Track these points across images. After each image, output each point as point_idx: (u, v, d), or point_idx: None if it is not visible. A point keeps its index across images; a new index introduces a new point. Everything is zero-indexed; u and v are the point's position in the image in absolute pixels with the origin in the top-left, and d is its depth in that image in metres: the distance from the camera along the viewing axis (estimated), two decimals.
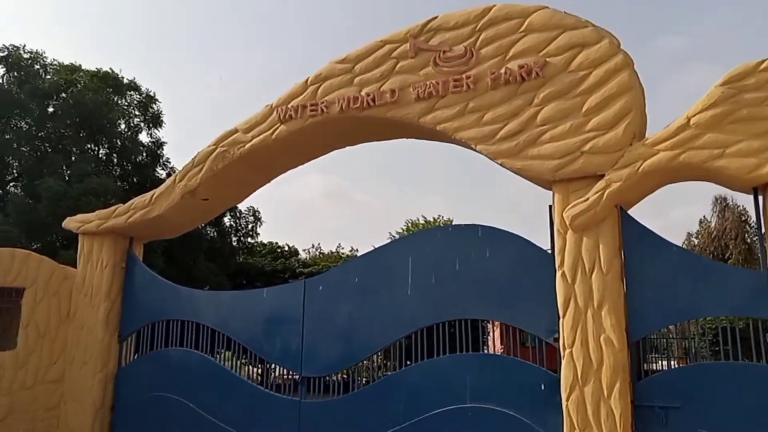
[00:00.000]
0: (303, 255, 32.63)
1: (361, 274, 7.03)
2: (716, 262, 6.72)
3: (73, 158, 19.98)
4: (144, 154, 22.89)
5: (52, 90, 20.08)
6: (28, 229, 16.99)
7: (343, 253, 34.83)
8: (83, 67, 22.43)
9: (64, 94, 20.21)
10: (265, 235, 35.27)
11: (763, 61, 5.18)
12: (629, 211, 5.77)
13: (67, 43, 59.89)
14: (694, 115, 5.30)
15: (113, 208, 8.63)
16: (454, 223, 24.22)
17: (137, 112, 23.16)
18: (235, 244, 25.88)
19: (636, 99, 5.62)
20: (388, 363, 8.09)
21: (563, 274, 5.68)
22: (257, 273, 25.23)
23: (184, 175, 7.92)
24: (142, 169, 22.49)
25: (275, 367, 7.98)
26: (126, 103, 22.93)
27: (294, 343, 7.16)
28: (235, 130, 7.65)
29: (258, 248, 29.03)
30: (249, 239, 27.05)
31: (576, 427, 5.39)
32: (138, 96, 23.04)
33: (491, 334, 17.45)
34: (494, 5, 6.40)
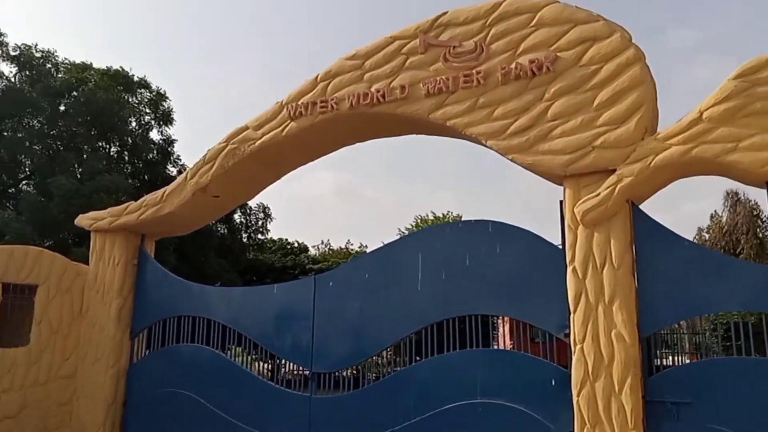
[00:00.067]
0: (312, 251, 32.75)
1: (371, 270, 7.03)
2: (728, 256, 6.68)
3: (84, 156, 20.09)
4: (155, 151, 22.98)
5: (64, 88, 20.20)
6: (41, 227, 17.12)
7: (352, 250, 34.90)
8: (94, 66, 22.56)
9: (75, 93, 20.31)
10: (275, 231, 35.30)
11: None
12: (640, 206, 5.74)
13: (78, 41, 60.25)
14: (707, 108, 5.26)
15: (125, 205, 8.68)
16: (463, 218, 24.23)
17: (148, 110, 23.25)
18: (245, 240, 25.96)
19: (648, 93, 5.58)
20: (398, 359, 8.10)
21: (574, 270, 5.66)
22: (267, 269, 25.34)
23: (195, 172, 7.95)
24: (153, 166, 22.59)
25: (285, 363, 8.01)
26: (137, 101, 23.03)
27: (304, 339, 7.18)
28: (246, 127, 7.67)
29: (268, 245, 29.14)
30: (259, 236, 27.13)
31: (587, 422, 5.38)
32: (148, 94, 23.13)
33: (500, 329, 17.41)
34: (504, 0, 6.38)
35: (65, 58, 21.96)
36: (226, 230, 23.97)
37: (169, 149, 23.44)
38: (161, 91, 23.31)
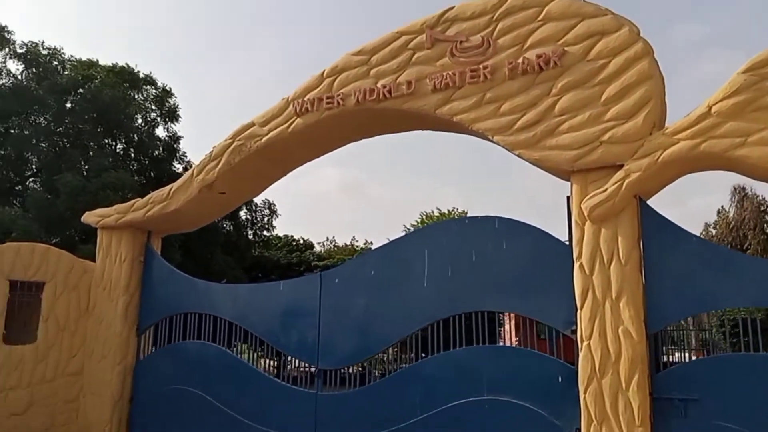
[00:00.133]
0: (318, 248, 32.74)
1: (377, 266, 7.02)
2: (736, 252, 6.63)
3: (90, 153, 20.15)
4: (161, 148, 23.03)
5: (70, 86, 20.26)
6: (47, 224, 17.19)
7: (357, 246, 34.89)
8: (100, 63, 22.60)
9: (81, 90, 20.37)
10: (281, 228, 35.35)
11: None
12: (648, 202, 5.70)
13: (83, 38, 60.39)
14: (716, 103, 5.21)
15: (131, 202, 8.70)
16: (469, 214, 24.18)
17: (154, 107, 23.29)
18: (251, 237, 26.01)
19: (656, 88, 5.54)
20: (404, 356, 8.09)
21: (581, 266, 5.63)
22: (273, 266, 25.38)
23: (202, 169, 7.95)
24: (159, 163, 22.64)
25: (291, 360, 8.01)
26: (142, 98, 23.07)
27: (310, 336, 7.17)
28: (252, 124, 7.66)
29: (274, 241, 29.17)
30: (265, 232, 27.17)
31: (594, 419, 5.36)
32: (154, 90, 23.17)
33: (505, 326, 17.38)
34: None
35: (71, 56, 22.04)
36: (231, 227, 24.03)
37: (174, 146, 23.49)
38: (167, 88, 23.35)
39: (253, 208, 25.86)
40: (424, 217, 32.87)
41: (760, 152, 5.00)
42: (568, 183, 5.96)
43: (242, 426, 7.28)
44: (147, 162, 22.69)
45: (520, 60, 6.13)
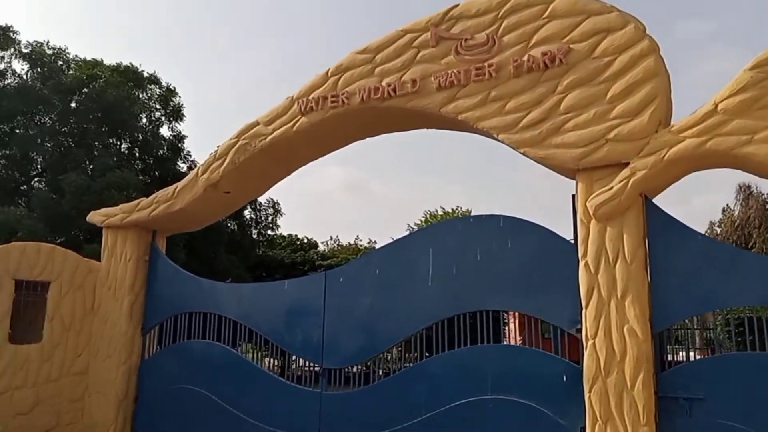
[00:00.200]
0: (322, 247, 32.72)
1: (381, 265, 7.02)
2: (743, 250, 6.60)
3: (95, 153, 20.16)
4: (165, 147, 23.03)
5: (75, 85, 20.27)
6: (52, 224, 17.21)
7: (361, 245, 34.86)
8: (104, 62, 22.62)
9: (86, 89, 20.38)
10: (285, 227, 35.35)
11: None
12: (653, 200, 5.68)
13: (87, 37, 60.51)
14: (722, 100, 5.19)
15: (136, 201, 8.71)
16: (473, 213, 24.15)
17: (158, 106, 23.30)
18: (255, 236, 26.01)
19: (662, 85, 5.51)
20: (408, 355, 8.08)
21: (586, 264, 5.62)
22: (277, 265, 25.35)
23: (207, 168, 7.95)
24: (164, 162, 22.64)
25: (295, 359, 8.01)
26: (146, 97, 23.08)
27: (315, 335, 7.17)
28: (257, 123, 7.66)
29: (278, 240, 29.17)
30: (269, 232, 27.17)
31: (598, 418, 5.34)
32: (158, 90, 23.18)
33: (509, 325, 17.35)
34: None
35: (76, 55, 22.08)
36: (236, 226, 24.02)
37: (179, 145, 23.48)
38: (171, 87, 23.36)
39: (258, 207, 25.87)
40: (428, 216, 32.86)
41: (767, 150, 4.97)
42: (574, 181, 5.94)
43: (247, 425, 7.29)
44: (151, 161, 22.69)
45: (525, 58, 6.11)
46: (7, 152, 19.86)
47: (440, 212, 32.61)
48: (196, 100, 63.78)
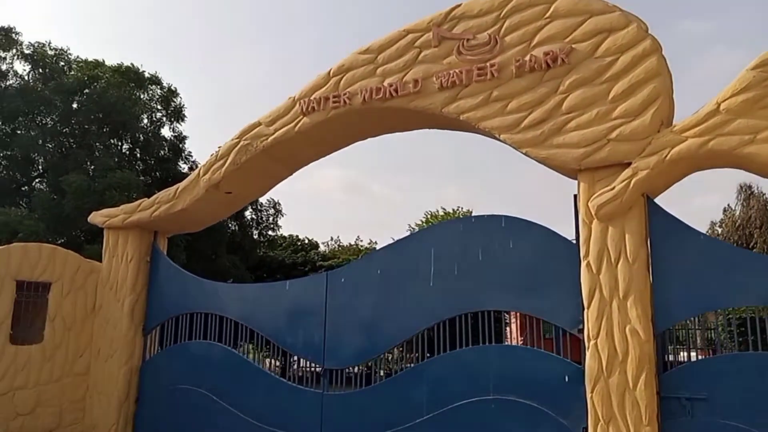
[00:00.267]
0: (322, 248, 32.71)
1: (383, 266, 7.01)
2: (745, 250, 6.59)
3: (96, 153, 20.16)
4: (166, 148, 23.04)
5: (76, 86, 20.28)
6: (54, 224, 17.21)
7: (362, 246, 34.85)
8: (106, 63, 22.63)
9: (87, 90, 20.40)
10: (286, 228, 35.36)
11: None
12: (655, 200, 5.67)
13: (88, 38, 60.53)
14: (725, 100, 5.18)
15: (138, 202, 8.71)
16: (474, 213, 24.13)
17: (159, 107, 23.31)
18: (256, 237, 26.02)
19: (664, 85, 5.51)
20: (409, 355, 8.07)
21: (588, 265, 5.61)
22: (278, 266, 25.36)
23: (208, 168, 7.95)
24: (165, 163, 22.65)
25: (296, 359, 8.00)
26: (148, 98, 23.09)
27: (316, 336, 7.17)
28: (258, 123, 7.66)
29: (279, 241, 29.19)
30: (270, 232, 27.19)
31: (600, 418, 5.33)
32: (159, 90, 23.19)
33: (510, 325, 17.34)
34: None
35: (77, 56, 22.09)
36: (237, 227, 24.02)
37: (180, 146, 23.49)
38: (172, 88, 23.36)
39: (259, 207, 25.88)
40: (428, 216, 32.82)
41: None
42: (575, 181, 5.93)
43: (248, 425, 7.28)
44: (153, 162, 22.70)
45: (527, 58, 6.11)
46: (9, 153, 19.87)
47: (441, 213, 32.56)
48: (198, 99, 63.81)
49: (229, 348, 7.81)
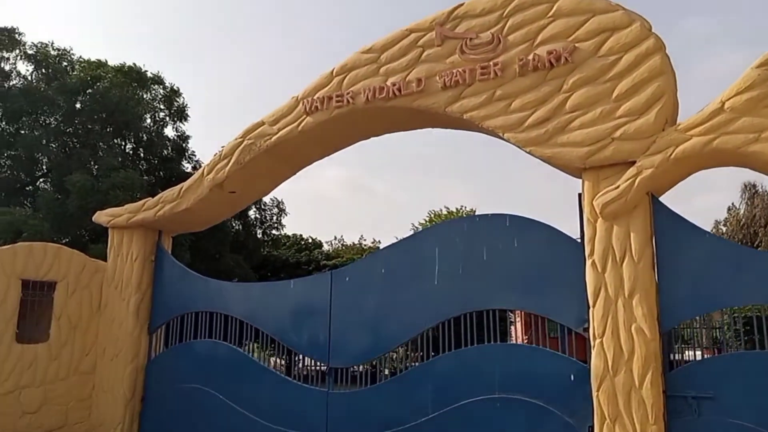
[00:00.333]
0: (326, 247, 32.74)
1: (388, 264, 7.02)
2: (751, 248, 6.57)
3: (100, 153, 20.21)
4: (169, 148, 23.07)
5: (79, 86, 20.32)
6: (58, 224, 17.26)
7: (365, 245, 34.87)
8: (108, 63, 22.67)
9: (90, 90, 20.44)
10: (289, 227, 35.42)
11: None
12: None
13: (89, 38, 60.62)
14: (729, 98, 5.17)
15: (142, 201, 8.73)
16: (477, 213, 24.12)
17: (162, 107, 23.35)
18: (259, 236, 26.05)
19: (668, 83, 5.50)
20: (414, 354, 8.09)
21: (593, 263, 5.61)
22: (282, 265, 25.39)
23: (212, 168, 7.97)
24: (168, 163, 22.68)
25: (300, 358, 8.02)
26: (150, 98, 23.12)
27: (321, 334, 7.18)
28: (262, 123, 7.67)
29: (282, 240, 29.22)
30: (274, 231, 27.22)
31: (606, 417, 5.34)
32: (162, 90, 23.22)
33: (514, 324, 17.33)
34: None
35: (80, 56, 22.13)
36: (240, 226, 24.05)
37: (183, 145, 23.52)
38: (175, 88, 23.39)
39: (262, 207, 25.91)
40: (432, 215, 32.80)
41: None
42: (580, 180, 5.93)
43: (253, 424, 7.30)
44: (156, 162, 22.73)
45: (530, 56, 6.10)
46: (13, 153, 19.91)
47: (444, 212, 32.54)
48: (201, 99, 63.87)
49: (234, 347, 7.83)
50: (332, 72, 7.28)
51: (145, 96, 22.73)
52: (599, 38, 5.81)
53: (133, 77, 22.25)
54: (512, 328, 17.04)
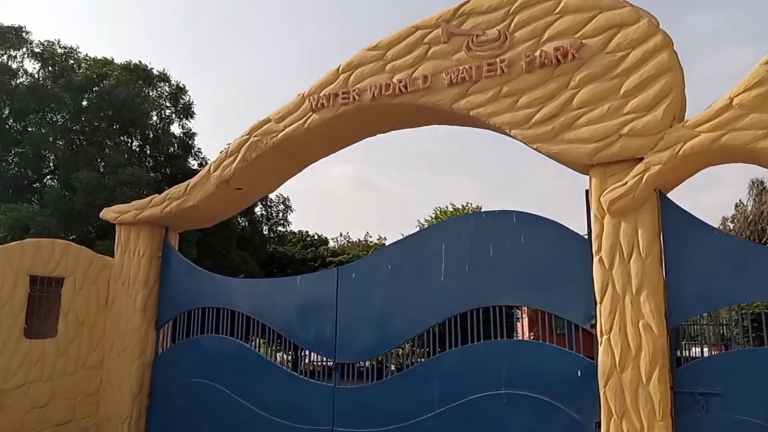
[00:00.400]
0: (332, 244, 32.83)
1: (394, 261, 7.02)
2: (759, 245, 6.55)
3: (106, 150, 20.29)
4: (176, 145, 23.16)
5: (86, 84, 20.41)
6: (65, 221, 17.35)
7: (371, 242, 34.93)
8: (115, 61, 22.75)
9: (96, 88, 20.52)
10: (295, 224, 35.53)
11: None
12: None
13: (96, 36, 60.81)
14: (738, 94, 5.15)
15: (149, 198, 8.76)
16: (483, 209, 24.12)
17: (168, 104, 23.42)
18: (266, 233, 26.12)
19: (676, 80, 5.48)
20: (420, 350, 8.10)
21: (600, 260, 5.60)
22: (288, 261, 25.47)
23: (219, 165, 7.99)
24: (174, 160, 22.76)
25: (306, 354, 8.04)
26: (156, 95, 23.20)
27: (328, 330, 7.19)
28: (268, 120, 7.68)
29: (288, 237, 29.31)
30: (280, 228, 27.30)
31: (614, 413, 5.33)
32: (168, 87, 23.28)
33: (520, 321, 17.33)
34: None
35: (86, 54, 22.21)
36: (247, 223, 24.13)
37: (189, 142, 23.61)
38: (181, 85, 23.47)
39: (268, 203, 25.98)
40: (438, 212, 32.84)
41: None
42: (587, 177, 5.92)
43: (260, 419, 7.33)
44: (162, 159, 22.82)
45: (537, 53, 6.08)
46: (20, 150, 20.03)
47: (450, 209, 32.59)
48: (206, 96, 63.93)
49: (241, 342, 7.85)
50: (338, 69, 7.28)
51: (151, 93, 22.82)
52: (606, 35, 5.79)
53: (139, 75, 22.35)
54: (518, 324, 17.06)
